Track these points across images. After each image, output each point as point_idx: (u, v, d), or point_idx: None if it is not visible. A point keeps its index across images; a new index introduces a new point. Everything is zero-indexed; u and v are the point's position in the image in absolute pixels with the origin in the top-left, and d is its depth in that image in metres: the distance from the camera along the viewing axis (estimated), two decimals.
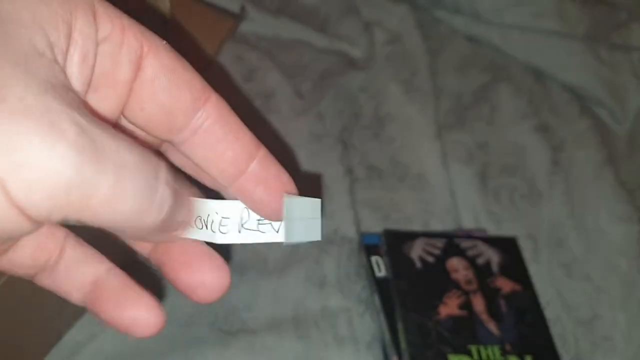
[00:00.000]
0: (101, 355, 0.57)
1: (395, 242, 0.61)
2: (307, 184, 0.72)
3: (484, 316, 0.57)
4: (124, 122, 0.23)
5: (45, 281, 0.23)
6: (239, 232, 0.24)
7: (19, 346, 0.52)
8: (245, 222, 0.24)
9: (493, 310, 0.57)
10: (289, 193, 0.24)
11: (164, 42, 0.21)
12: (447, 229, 0.70)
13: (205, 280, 0.24)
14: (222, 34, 0.52)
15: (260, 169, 0.23)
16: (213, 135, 0.22)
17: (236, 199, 0.24)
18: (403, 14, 0.87)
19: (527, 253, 0.67)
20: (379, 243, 0.62)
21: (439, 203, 0.72)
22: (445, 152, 0.76)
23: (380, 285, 0.59)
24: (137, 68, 0.20)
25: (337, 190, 0.71)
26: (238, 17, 0.52)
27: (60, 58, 0.18)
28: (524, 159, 0.77)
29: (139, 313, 0.22)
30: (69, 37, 0.18)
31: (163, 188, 0.19)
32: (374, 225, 0.69)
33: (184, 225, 0.22)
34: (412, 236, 0.62)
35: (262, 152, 0.23)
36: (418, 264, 0.60)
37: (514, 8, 0.86)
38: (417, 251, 0.60)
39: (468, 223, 0.70)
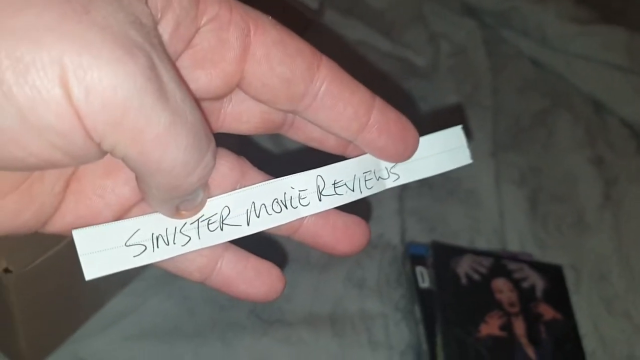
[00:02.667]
0: (138, 328, 0.57)
1: (443, 256, 0.61)
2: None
3: (523, 340, 0.57)
4: (250, 104, 0.24)
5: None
6: (320, 200, 0.25)
7: (64, 308, 0.53)
8: (322, 189, 0.25)
9: (533, 335, 0.57)
10: (410, 134, 0.24)
11: (269, 17, 0.22)
12: (492, 248, 0.69)
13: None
14: (301, 28, 0.53)
15: (381, 118, 0.24)
16: (331, 96, 0.23)
17: (357, 157, 0.25)
18: (470, 29, 0.87)
19: (568, 283, 0.67)
20: (425, 254, 0.62)
21: (487, 222, 0.72)
22: (498, 171, 0.75)
23: (423, 296, 0.59)
24: (245, 46, 0.21)
25: (386, 196, 0.71)
26: (317, 13, 0.53)
27: (153, 13, 0.19)
28: (575, 189, 0.77)
29: None
30: (166, 1, 0.19)
31: (209, 158, 0.20)
32: (419, 235, 0.69)
33: (191, 209, 0.23)
34: (460, 251, 0.62)
35: (379, 102, 0.24)
36: (463, 280, 0.60)
37: (582, 37, 0.85)
38: (463, 267, 0.61)
39: (513, 245, 0.70)
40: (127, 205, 0.23)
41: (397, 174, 0.26)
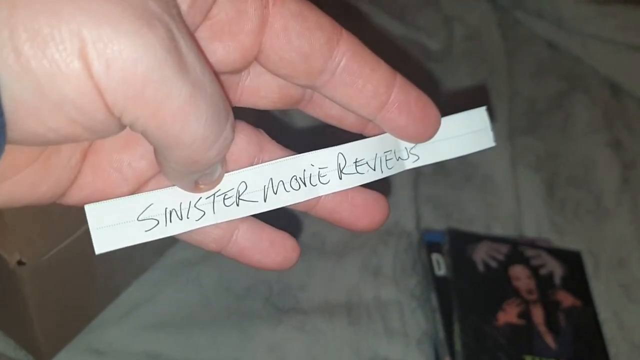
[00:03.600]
0: (155, 317, 0.57)
1: (459, 243, 0.60)
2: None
3: (542, 328, 0.56)
4: (268, 78, 0.24)
5: None
6: (340, 178, 0.24)
7: (78, 299, 0.53)
8: (343, 168, 0.24)
9: (551, 323, 0.56)
10: (431, 114, 0.24)
11: None
12: (509, 234, 0.69)
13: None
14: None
15: (401, 96, 0.23)
16: (351, 72, 0.22)
17: (379, 135, 0.25)
18: (484, 11, 0.86)
19: (587, 269, 0.66)
20: (442, 241, 0.62)
21: (503, 207, 0.71)
22: (514, 156, 0.74)
23: (439, 284, 0.59)
24: (264, 18, 0.21)
25: (401, 182, 0.71)
26: None
27: None
28: (593, 173, 0.76)
29: None
30: None
31: (228, 132, 0.19)
32: (435, 222, 0.68)
33: (210, 183, 0.22)
34: (476, 238, 0.62)
35: (400, 79, 0.23)
36: (480, 267, 0.59)
37: (599, 18, 0.84)
38: (480, 254, 0.60)
39: (530, 231, 0.69)
40: (144, 178, 0.23)
41: (417, 155, 0.25)
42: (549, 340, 0.55)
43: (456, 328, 0.55)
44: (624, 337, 0.63)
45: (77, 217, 0.44)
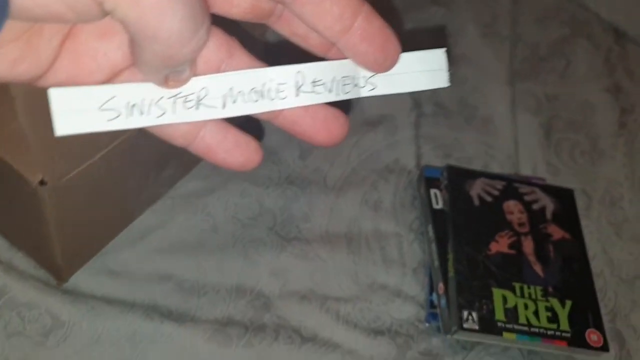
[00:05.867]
0: (166, 242, 0.61)
1: (456, 178, 0.63)
2: None
3: (532, 258, 0.59)
4: None
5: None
6: (297, 95, 0.25)
7: (95, 221, 0.56)
8: (301, 86, 0.25)
9: (541, 254, 0.59)
10: (392, 45, 0.25)
11: None
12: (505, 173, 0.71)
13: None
14: None
15: (365, 24, 0.24)
16: None
17: (340, 60, 0.26)
18: None
19: (579, 208, 0.68)
20: (440, 177, 0.64)
21: (501, 148, 0.73)
22: (514, 100, 0.76)
23: (436, 217, 0.61)
24: None
25: (403, 122, 0.73)
26: None
27: None
28: (591, 117, 0.78)
29: None
30: None
31: (203, 32, 0.20)
32: (434, 161, 0.71)
33: (179, 80, 0.23)
34: (473, 175, 0.64)
35: (366, 8, 0.24)
36: (476, 202, 0.62)
37: None
38: (476, 189, 0.62)
39: (526, 171, 0.72)
40: (117, 69, 0.23)
41: (374, 85, 0.26)
42: (538, 269, 0.58)
43: (450, 257, 0.58)
44: (612, 271, 0.66)
45: (96, 141, 0.47)
